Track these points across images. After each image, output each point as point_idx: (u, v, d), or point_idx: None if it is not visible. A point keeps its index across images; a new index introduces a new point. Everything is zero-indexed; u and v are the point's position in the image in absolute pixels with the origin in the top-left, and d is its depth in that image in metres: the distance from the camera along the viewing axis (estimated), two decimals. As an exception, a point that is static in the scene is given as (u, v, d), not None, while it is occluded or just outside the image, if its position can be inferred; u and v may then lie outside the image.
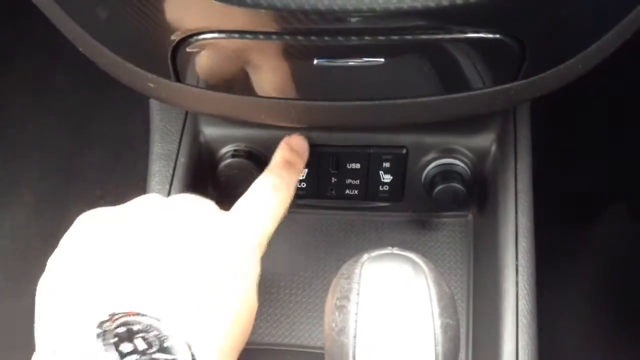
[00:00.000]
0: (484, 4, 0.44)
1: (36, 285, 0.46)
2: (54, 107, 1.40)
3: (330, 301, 0.41)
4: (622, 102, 1.13)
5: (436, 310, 0.38)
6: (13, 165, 1.34)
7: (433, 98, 0.56)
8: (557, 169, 1.11)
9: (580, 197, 1.10)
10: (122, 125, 1.36)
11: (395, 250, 0.42)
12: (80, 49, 0.55)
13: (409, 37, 0.47)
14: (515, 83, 0.55)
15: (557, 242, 1.03)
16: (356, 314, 0.38)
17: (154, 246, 0.44)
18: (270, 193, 0.55)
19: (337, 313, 0.39)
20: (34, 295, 0.45)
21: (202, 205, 0.49)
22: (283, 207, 0.55)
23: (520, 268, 0.66)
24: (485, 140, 0.74)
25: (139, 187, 1.31)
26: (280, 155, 0.63)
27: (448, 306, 0.39)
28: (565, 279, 1.03)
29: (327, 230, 0.80)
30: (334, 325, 0.39)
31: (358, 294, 0.39)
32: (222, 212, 0.50)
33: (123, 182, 1.28)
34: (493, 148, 0.74)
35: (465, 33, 0.48)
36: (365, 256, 0.42)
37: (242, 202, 0.54)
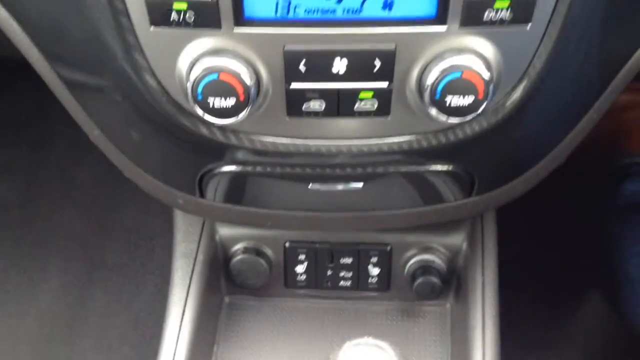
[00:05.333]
0: (436, 147, 0.59)
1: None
2: (79, 200, 1.55)
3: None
4: (589, 197, 1.26)
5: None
6: (40, 254, 1.46)
7: (404, 210, 0.70)
8: (538, 260, 1.24)
9: (551, 287, 1.21)
10: (141, 217, 1.50)
11: (370, 339, 0.54)
12: (125, 173, 0.69)
13: (380, 169, 0.62)
14: (470, 199, 0.69)
15: (535, 333, 1.13)
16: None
17: None
18: None
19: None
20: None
21: None
22: None
23: (486, 353, 0.77)
24: (457, 239, 0.87)
25: (155, 274, 1.44)
26: None
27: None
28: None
29: (323, 317, 0.91)
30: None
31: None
32: None
33: (142, 270, 1.40)
34: (464, 245, 0.87)
35: (424, 166, 0.62)
36: (347, 344, 0.54)
37: None
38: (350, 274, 0.90)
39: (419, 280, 0.85)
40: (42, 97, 0.64)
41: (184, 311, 0.81)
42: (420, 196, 0.68)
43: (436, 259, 0.87)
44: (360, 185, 0.64)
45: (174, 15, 0.49)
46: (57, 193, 1.56)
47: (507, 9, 0.49)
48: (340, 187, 0.64)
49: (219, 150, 0.60)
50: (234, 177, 0.65)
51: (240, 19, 0.50)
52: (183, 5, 0.49)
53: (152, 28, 0.50)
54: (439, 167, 0.63)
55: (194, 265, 0.84)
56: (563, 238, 1.26)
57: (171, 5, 0.49)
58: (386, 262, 0.88)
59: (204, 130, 0.58)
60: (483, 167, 0.64)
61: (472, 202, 0.69)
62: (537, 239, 1.27)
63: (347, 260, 0.88)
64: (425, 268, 0.87)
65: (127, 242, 1.48)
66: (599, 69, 0.59)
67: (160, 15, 0.49)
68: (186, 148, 0.62)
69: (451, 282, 0.89)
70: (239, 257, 0.87)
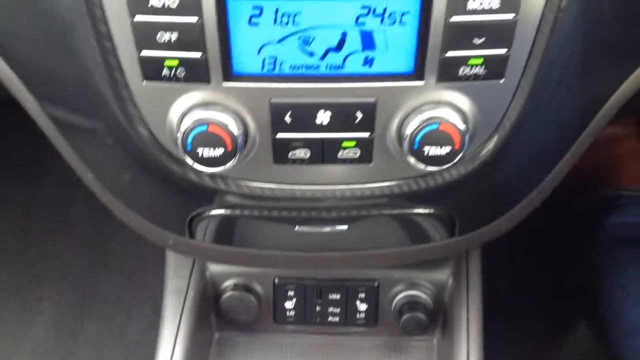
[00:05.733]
0: (417, 191, 0.61)
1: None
2: (73, 232, 1.56)
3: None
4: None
5: None
6: (35, 286, 1.47)
7: (389, 250, 0.72)
8: (525, 292, 1.26)
9: (538, 317, 1.23)
10: (135, 249, 1.51)
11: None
12: (117, 215, 0.71)
13: (364, 212, 0.64)
14: (452, 239, 0.71)
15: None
16: None
17: None
18: None
19: None
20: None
21: None
22: None
23: (471, 387, 0.79)
24: (443, 275, 0.89)
25: (147, 306, 1.45)
26: None
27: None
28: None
29: (312, 353, 0.93)
30: None
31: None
32: None
33: (134, 302, 1.41)
34: (450, 281, 0.89)
35: (406, 209, 0.64)
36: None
37: None
38: (338, 310, 0.91)
39: (406, 316, 0.87)
40: (37, 132, 0.67)
41: (174, 348, 0.82)
42: (404, 236, 0.71)
43: (422, 295, 0.89)
44: (345, 227, 0.66)
45: (165, 71, 0.52)
46: (52, 226, 1.57)
47: (481, 65, 0.52)
48: (326, 229, 0.67)
49: (208, 195, 0.63)
50: (223, 219, 0.67)
51: (228, 74, 0.53)
52: (174, 62, 0.51)
53: (144, 82, 0.53)
54: (421, 210, 0.65)
55: (184, 302, 0.86)
56: (549, 269, 1.28)
57: (163, 61, 0.51)
58: (373, 298, 0.90)
59: (193, 177, 0.60)
60: (463, 210, 0.66)
61: (455, 242, 0.71)
62: (523, 270, 1.29)
63: (336, 296, 0.90)
64: (411, 304, 0.88)
65: (120, 273, 1.50)
66: (573, 118, 0.62)
67: (152, 71, 0.52)
68: (176, 192, 0.64)
69: (437, 318, 0.91)
70: (228, 294, 0.88)
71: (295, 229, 0.67)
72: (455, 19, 0.49)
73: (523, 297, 1.26)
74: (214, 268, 0.89)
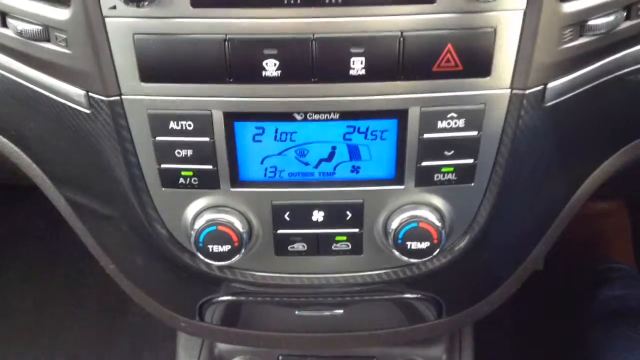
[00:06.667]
0: (403, 279, 0.68)
1: None
2: (87, 308, 1.62)
3: None
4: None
5: None
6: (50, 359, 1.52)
7: (382, 331, 0.78)
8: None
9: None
10: (147, 322, 1.56)
11: None
12: (134, 299, 0.78)
13: (357, 297, 0.71)
14: (441, 320, 0.77)
15: None
16: None
17: None
18: None
19: None
20: None
21: None
22: None
23: None
24: (437, 351, 0.94)
25: (158, 382, 1.48)
26: None
27: None
28: None
29: None
30: None
31: None
32: None
33: (145, 376, 1.45)
34: (444, 357, 0.94)
35: (395, 294, 0.71)
36: None
37: None
38: (339, 386, 0.96)
39: (403, 394, 0.92)
40: (53, 212, 0.74)
41: None
42: (396, 318, 0.77)
43: (419, 371, 0.94)
44: (341, 311, 0.73)
45: (181, 180, 0.60)
46: (67, 301, 1.63)
47: (452, 172, 0.60)
48: (326, 313, 0.73)
49: (217, 283, 0.70)
50: (230, 304, 0.74)
51: (235, 181, 0.61)
52: (189, 173, 0.60)
53: (163, 189, 0.61)
54: (408, 295, 0.72)
55: (194, 379, 0.92)
56: (542, 342, 1.32)
57: (179, 172, 0.60)
58: (373, 374, 0.95)
59: (204, 268, 0.67)
60: (448, 294, 0.73)
61: (443, 323, 0.77)
62: (516, 343, 1.33)
63: (336, 373, 0.96)
64: (408, 381, 0.94)
65: (134, 346, 1.54)
66: (541, 212, 0.70)
67: (170, 180, 0.61)
68: (189, 281, 0.71)
69: (435, 395, 0.96)
70: (235, 371, 0.94)
71: (296, 312, 0.73)
72: (427, 135, 0.57)
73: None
74: (222, 346, 0.95)
